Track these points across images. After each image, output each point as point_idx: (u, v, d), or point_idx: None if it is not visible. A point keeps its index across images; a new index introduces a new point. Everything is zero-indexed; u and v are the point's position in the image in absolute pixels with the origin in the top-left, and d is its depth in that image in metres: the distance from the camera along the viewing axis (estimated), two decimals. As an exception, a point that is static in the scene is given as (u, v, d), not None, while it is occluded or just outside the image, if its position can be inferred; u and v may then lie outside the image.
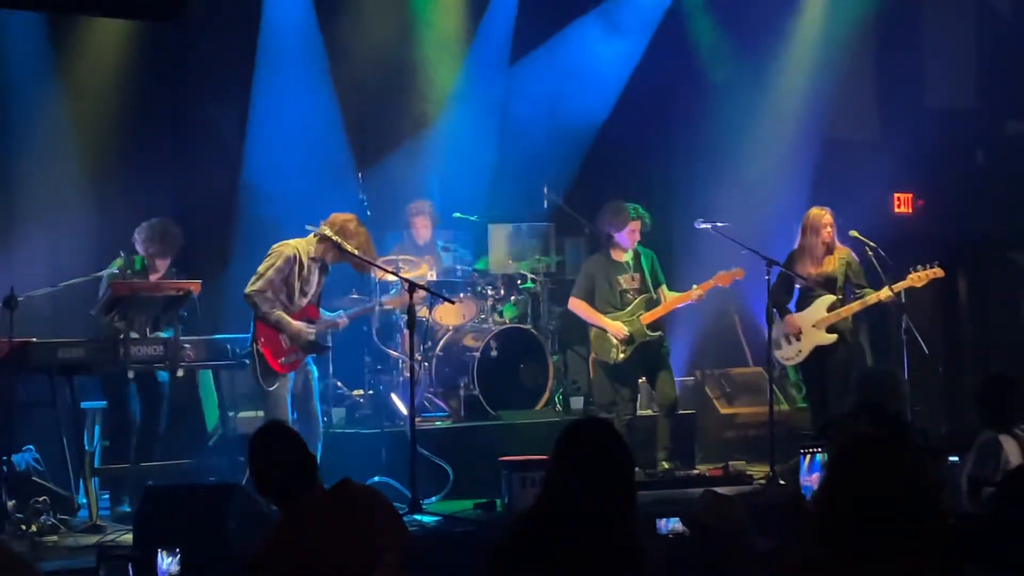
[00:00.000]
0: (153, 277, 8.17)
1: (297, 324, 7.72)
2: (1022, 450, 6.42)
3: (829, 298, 8.81)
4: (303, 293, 7.81)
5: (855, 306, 8.75)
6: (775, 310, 8.79)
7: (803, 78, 11.49)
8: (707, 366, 10.87)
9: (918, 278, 8.67)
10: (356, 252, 7.78)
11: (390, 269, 8.53)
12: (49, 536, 7.06)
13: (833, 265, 8.86)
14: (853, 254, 8.90)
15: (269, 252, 7.81)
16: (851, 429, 6.56)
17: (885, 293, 8.60)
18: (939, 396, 11.09)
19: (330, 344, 8.21)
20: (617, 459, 3.71)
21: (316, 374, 8.09)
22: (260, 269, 7.73)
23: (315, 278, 7.88)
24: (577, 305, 9.06)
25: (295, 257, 7.74)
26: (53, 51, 9.51)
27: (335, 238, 7.74)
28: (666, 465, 8.82)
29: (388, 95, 10.92)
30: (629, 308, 8.91)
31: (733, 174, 11.11)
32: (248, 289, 7.67)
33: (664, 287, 9.04)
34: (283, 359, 7.71)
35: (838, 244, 8.91)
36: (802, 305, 8.93)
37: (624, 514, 3.67)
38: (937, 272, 8.68)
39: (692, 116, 11.37)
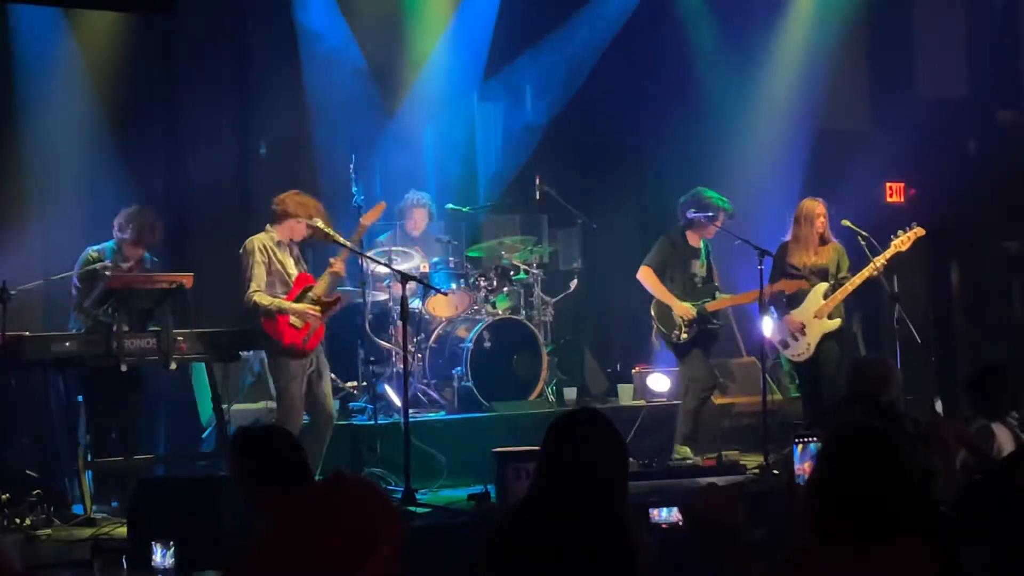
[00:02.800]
0: (125, 265, 8.15)
1: (298, 305, 7.78)
2: (1014, 437, 6.45)
3: (823, 286, 8.84)
4: (289, 274, 7.91)
5: (848, 287, 8.77)
6: (772, 308, 8.80)
7: (795, 68, 11.49)
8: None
9: (901, 243, 8.72)
10: (312, 222, 7.84)
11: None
12: (43, 530, 7.04)
13: (827, 256, 8.89)
14: (844, 249, 8.94)
15: (241, 252, 7.90)
16: (843, 418, 6.57)
17: (874, 266, 8.64)
18: (932, 385, 11.10)
19: (339, 294, 8.17)
20: (608, 449, 3.71)
21: (327, 365, 8.12)
22: (245, 273, 7.81)
23: (292, 260, 7.97)
24: (647, 274, 9.04)
25: (263, 247, 7.84)
26: (44, 42, 9.48)
27: (279, 210, 7.88)
28: (689, 452, 8.91)
29: (380, 83, 10.90)
30: (697, 293, 8.99)
31: (725, 165, 11.09)
32: (247, 295, 7.76)
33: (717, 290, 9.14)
34: (304, 337, 7.78)
35: (832, 237, 8.94)
36: (793, 298, 8.93)
37: (616, 505, 3.68)
38: (918, 231, 8.76)
39: (683, 107, 11.37)
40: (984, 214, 11.90)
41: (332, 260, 8.10)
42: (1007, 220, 11.95)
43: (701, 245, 9.11)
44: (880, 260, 8.68)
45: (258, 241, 7.89)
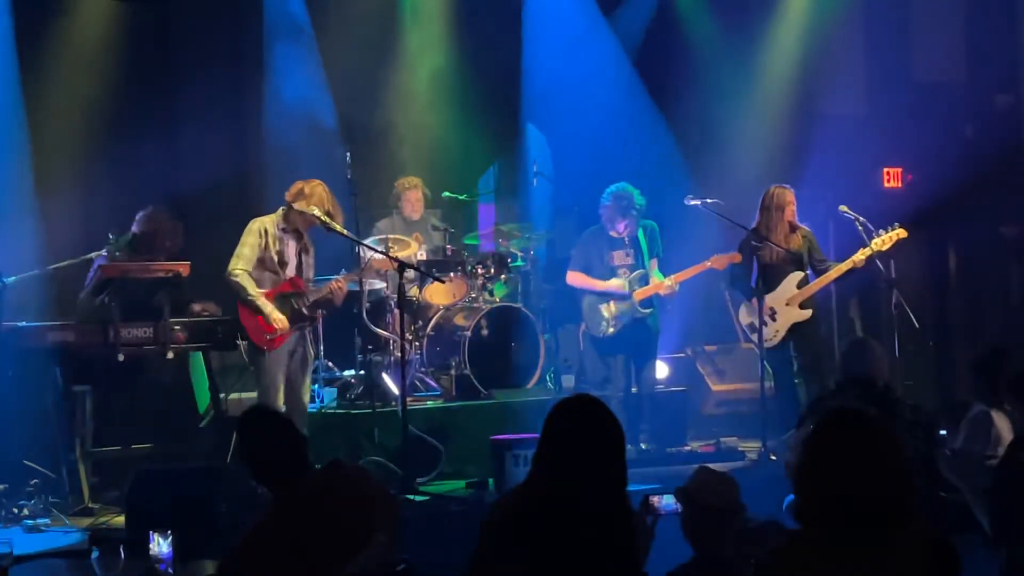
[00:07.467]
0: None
1: (268, 310, 7.69)
2: (1012, 426, 6.43)
3: (798, 274, 8.82)
4: (283, 264, 7.85)
5: (823, 280, 8.78)
6: (740, 294, 8.82)
7: (792, 53, 11.48)
8: (698, 343, 10.87)
9: (881, 242, 8.69)
10: (315, 213, 7.73)
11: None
12: (41, 519, 7.05)
13: (798, 242, 8.86)
14: (812, 233, 8.92)
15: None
16: (838, 403, 6.56)
17: (853, 261, 8.62)
18: (929, 370, 11.11)
19: (314, 314, 8.11)
20: (607, 435, 3.71)
21: (312, 358, 8.09)
22: (237, 249, 7.78)
23: (291, 249, 7.89)
24: (574, 277, 9.10)
25: (262, 231, 7.81)
26: (39, 30, 9.46)
27: (289, 200, 7.81)
28: (644, 446, 8.83)
29: (376, 73, 10.88)
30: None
31: (721, 149, 11.09)
32: (230, 268, 7.71)
33: (655, 261, 9.03)
34: (268, 335, 7.73)
35: (798, 223, 8.91)
36: (768, 285, 8.86)
37: (614, 489, 3.68)
38: (900, 233, 8.71)
39: (680, 92, 11.35)
40: (981, 199, 11.88)
41: (338, 279, 8.04)
42: (1004, 205, 11.94)
43: (625, 235, 9.04)
44: (860, 256, 8.64)
45: (258, 224, 7.85)
